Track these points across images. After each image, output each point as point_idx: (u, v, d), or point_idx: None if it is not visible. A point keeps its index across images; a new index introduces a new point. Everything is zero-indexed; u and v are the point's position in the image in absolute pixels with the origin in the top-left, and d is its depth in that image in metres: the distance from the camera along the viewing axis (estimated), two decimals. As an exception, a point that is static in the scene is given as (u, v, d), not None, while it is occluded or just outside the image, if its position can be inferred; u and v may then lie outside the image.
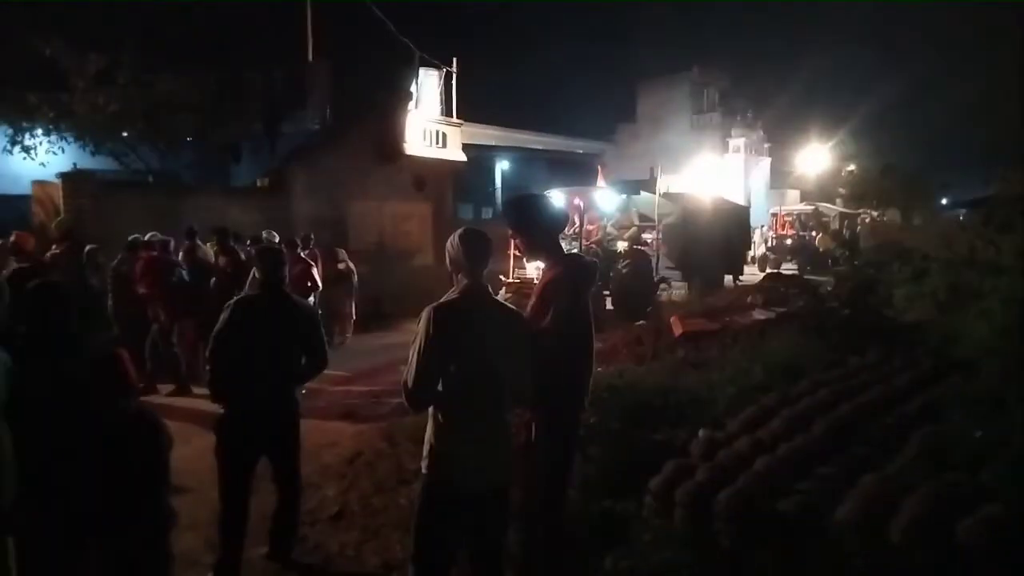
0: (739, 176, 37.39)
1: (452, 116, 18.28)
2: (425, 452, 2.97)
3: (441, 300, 2.95)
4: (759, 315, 9.02)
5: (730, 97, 40.55)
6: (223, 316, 3.86)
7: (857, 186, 35.51)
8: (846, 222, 27.61)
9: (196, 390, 7.65)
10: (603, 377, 5.92)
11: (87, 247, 8.27)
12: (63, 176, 11.46)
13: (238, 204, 12.75)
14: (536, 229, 3.45)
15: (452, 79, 18.11)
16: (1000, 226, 7.21)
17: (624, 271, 12.10)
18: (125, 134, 14.22)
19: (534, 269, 10.03)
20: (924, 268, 8.69)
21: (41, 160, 13.40)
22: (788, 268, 22.39)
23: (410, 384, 2.86)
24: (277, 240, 9.95)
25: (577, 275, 3.43)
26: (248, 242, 9.70)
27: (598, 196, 13.83)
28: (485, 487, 2.92)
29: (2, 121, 13.47)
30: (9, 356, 2.93)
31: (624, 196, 14.53)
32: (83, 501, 2.83)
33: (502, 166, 32.60)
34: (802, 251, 25.17)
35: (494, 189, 32.56)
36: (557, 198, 11.64)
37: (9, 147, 13.43)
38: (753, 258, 24.26)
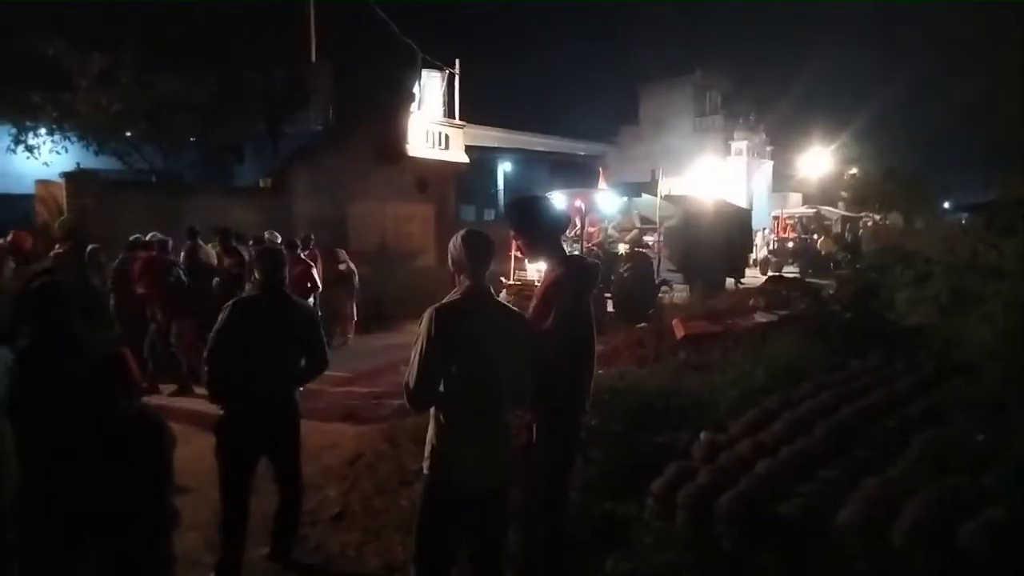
0: (741, 179, 37.40)
1: (455, 117, 18.29)
2: (426, 453, 2.97)
3: (443, 301, 2.95)
4: (761, 318, 9.00)
5: (732, 100, 40.54)
6: (221, 316, 3.86)
7: (859, 190, 35.48)
8: (848, 225, 27.60)
9: (197, 390, 7.66)
10: (605, 379, 5.91)
11: (89, 247, 8.28)
12: (66, 176, 11.48)
13: (240, 204, 12.77)
14: (538, 231, 3.46)
15: (455, 80, 18.12)
16: (1002, 230, 7.21)
17: (625, 274, 12.09)
18: (128, 134, 14.24)
19: (535, 271, 10.03)
20: (926, 272, 8.68)
21: (44, 160, 13.43)
22: (790, 271, 22.37)
23: (411, 385, 2.86)
24: (279, 241, 9.96)
25: (579, 277, 3.43)
26: (250, 242, 9.72)
27: (599, 198, 13.83)
28: (486, 487, 2.93)
29: (5, 121, 13.50)
30: (11, 355, 2.93)
31: (625, 198, 14.53)
32: (84, 501, 2.83)
33: (504, 168, 32.60)
34: (804, 254, 25.15)
35: (496, 191, 32.56)
36: (559, 200, 11.64)
37: (13, 146, 13.45)
38: (755, 261, 24.26)
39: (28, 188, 11.82)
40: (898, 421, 4.77)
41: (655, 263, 13.20)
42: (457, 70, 18.06)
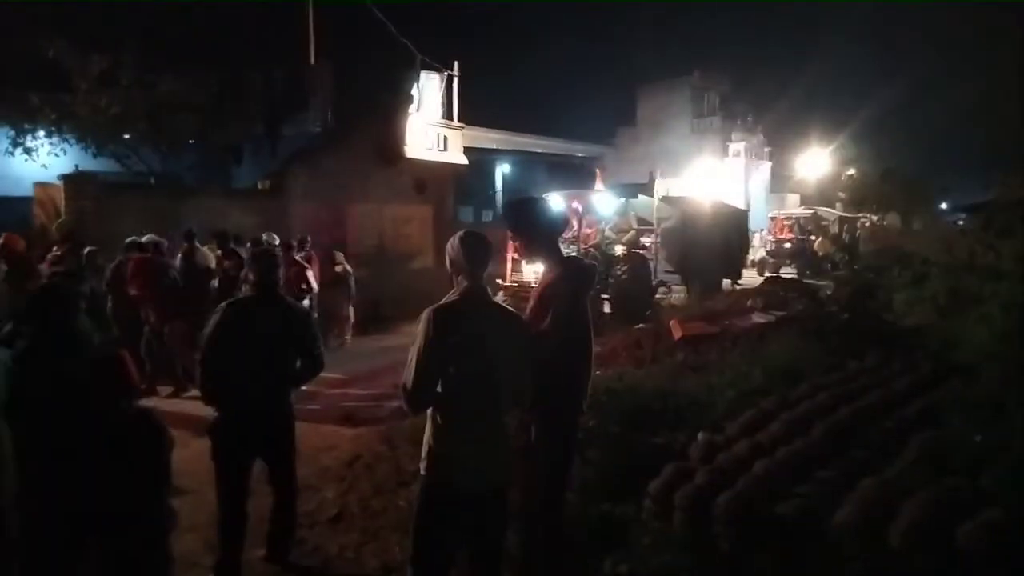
0: (739, 180, 37.42)
1: (453, 119, 18.30)
2: (424, 453, 2.97)
3: (441, 302, 2.95)
4: (758, 319, 9.01)
5: (730, 101, 40.58)
6: (214, 318, 3.85)
7: (857, 190, 35.53)
8: (845, 226, 27.63)
9: (191, 392, 7.65)
10: (602, 380, 5.92)
11: (86, 249, 8.28)
12: (65, 178, 11.46)
13: (239, 206, 12.75)
14: (535, 232, 3.47)
15: (453, 82, 18.13)
16: (1000, 231, 7.22)
17: (623, 275, 12.10)
18: (127, 136, 14.23)
19: (531, 273, 10.04)
20: (924, 273, 8.70)
21: (43, 162, 13.41)
22: (787, 272, 22.39)
23: (409, 385, 2.86)
24: (277, 242, 9.96)
25: (576, 278, 3.44)
26: (248, 244, 9.71)
27: (596, 199, 13.84)
28: (484, 488, 2.93)
29: (4, 123, 13.48)
30: (10, 356, 2.94)
31: (623, 199, 14.55)
32: (84, 501, 2.83)
33: (503, 169, 32.60)
34: (801, 255, 25.17)
35: (494, 192, 32.55)
36: (556, 201, 11.65)
37: (11, 149, 13.44)
38: (752, 262, 24.28)
39: (26, 191, 11.79)
40: (896, 422, 4.78)
41: (652, 264, 13.22)
42: (456, 72, 18.06)
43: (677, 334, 8.37)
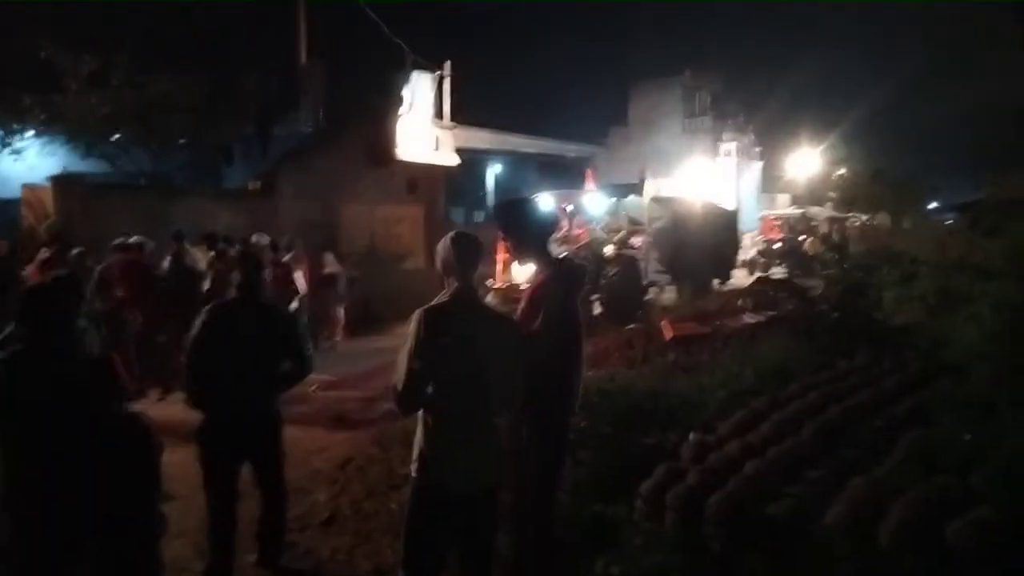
0: (730, 180, 37.49)
1: (445, 119, 18.29)
2: (414, 455, 2.96)
3: (432, 303, 2.95)
4: (749, 319, 9.05)
5: (722, 101, 40.62)
6: (198, 321, 3.81)
7: (847, 190, 35.68)
8: (835, 226, 27.71)
9: (174, 395, 7.61)
10: (594, 381, 5.93)
11: (75, 251, 8.22)
12: (53, 179, 11.40)
13: (229, 207, 12.72)
14: (526, 233, 3.48)
15: (445, 82, 18.12)
16: (988, 230, 7.26)
17: (613, 276, 12.12)
18: (117, 136, 14.15)
19: (521, 274, 10.03)
20: (913, 272, 8.74)
21: (31, 163, 13.32)
22: (777, 272, 22.45)
23: (400, 387, 2.86)
24: (268, 243, 9.93)
25: (567, 279, 3.44)
26: (237, 245, 9.68)
27: (587, 200, 13.86)
28: (475, 489, 2.92)
29: (-6, 124, 13.39)
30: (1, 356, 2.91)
31: (614, 200, 14.57)
32: (74, 505, 2.81)
33: (494, 169, 32.61)
34: (791, 255, 25.24)
35: (486, 192, 32.56)
36: (546, 202, 11.66)
37: (-1, 149, 13.36)
38: (743, 262, 24.35)
39: (14, 192, 11.72)
40: (885, 421, 4.81)
41: (642, 264, 13.24)
42: (448, 72, 18.05)
43: (668, 334, 8.40)
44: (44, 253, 8.31)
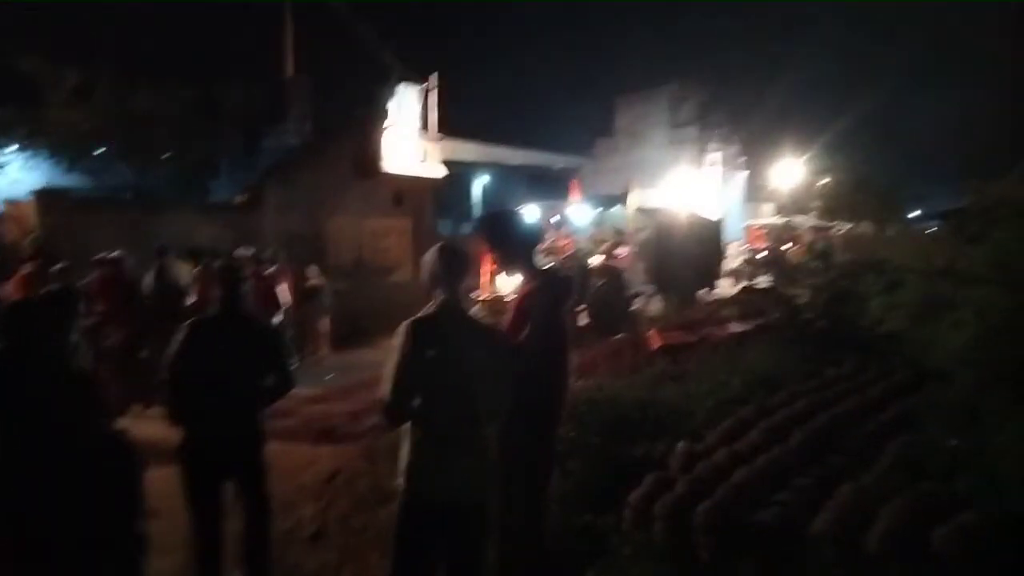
0: (716, 190, 37.69)
1: (432, 131, 18.33)
2: (402, 468, 2.95)
3: (419, 315, 2.95)
4: (736, 327, 9.08)
5: (708, 111, 40.86)
6: (177, 336, 3.76)
7: (831, 199, 35.96)
8: (819, 235, 27.90)
9: (152, 411, 7.52)
10: (582, 391, 5.92)
11: (57, 266, 8.14)
12: (36, 194, 11.33)
13: (215, 220, 12.68)
14: (511, 245, 3.48)
15: (433, 95, 18.17)
16: (971, 237, 7.31)
17: (600, 287, 12.14)
18: (103, 150, 14.09)
19: (507, 285, 10.04)
20: (898, 279, 8.79)
21: (13, 177, 13.23)
22: (763, 281, 22.57)
23: (387, 399, 2.85)
24: (251, 256, 9.89)
25: (553, 289, 3.45)
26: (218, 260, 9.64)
27: (573, 211, 13.92)
28: (462, 501, 2.92)
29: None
30: None
31: (599, 210, 14.64)
32: (56, 521, 2.78)
33: (482, 181, 32.69)
34: (776, 263, 25.37)
35: (473, 204, 32.62)
36: (532, 213, 11.69)
37: (-19, 164, 13.27)
38: (728, 271, 24.47)
39: (-4, 207, 11.63)
40: (872, 427, 4.82)
41: (627, 275, 13.26)
42: (435, 84, 18.11)
43: (656, 344, 8.41)
44: (26, 268, 8.23)
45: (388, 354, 2.91)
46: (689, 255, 14.97)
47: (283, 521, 4.68)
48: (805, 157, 38.46)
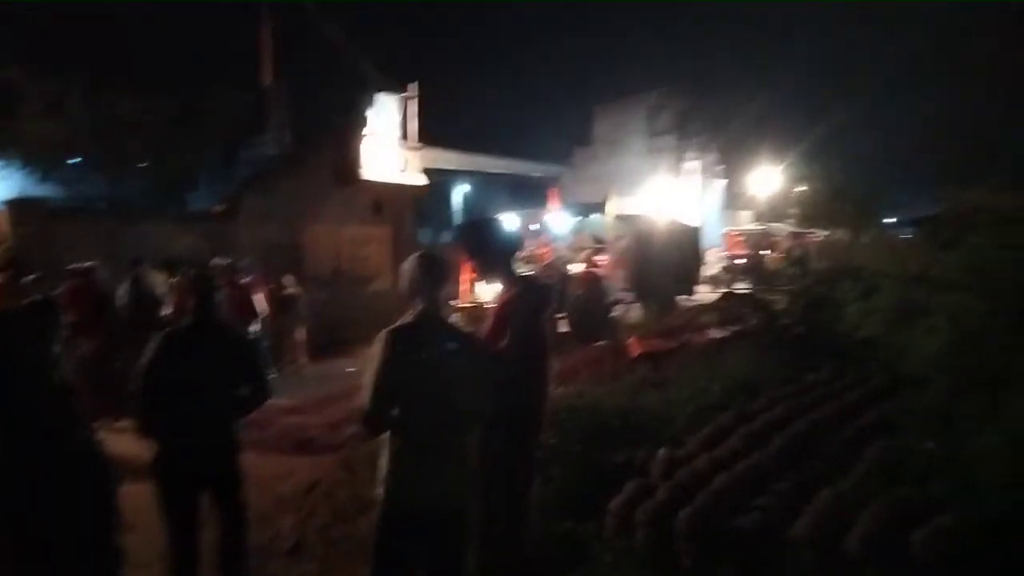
0: (694, 198, 37.96)
1: (412, 140, 18.31)
2: (382, 476, 2.93)
3: (398, 323, 2.93)
4: (715, 334, 9.13)
5: (686, 120, 41.18)
6: (149, 347, 3.70)
7: (808, 206, 36.35)
8: (796, 241, 28.19)
9: (122, 423, 7.42)
10: (563, 398, 5.92)
11: (30, 277, 8.03)
12: (9, 203, 11.16)
13: (192, 230, 12.56)
14: (490, 253, 3.48)
15: (412, 103, 18.16)
16: (944, 243, 7.42)
17: (579, 294, 12.18)
18: (78, 159, 13.94)
19: (487, 293, 10.04)
20: (874, 285, 8.88)
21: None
22: (741, 287, 22.74)
23: (366, 408, 2.83)
24: (226, 265, 9.80)
25: (533, 297, 3.45)
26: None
27: (552, 219, 13.97)
28: (442, 509, 2.90)
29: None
30: None
31: (578, 218, 14.70)
32: (32, 532, 2.73)
33: (462, 190, 32.73)
34: (754, 270, 25.56)
35: (453, 213, 32.63)
36: (511, 221, 11.71)
37: (-47, 175, 13.06)
38: (707, 278, 24.64)
39: (-32, 218, 11.43)
40: (849, 433, 4.86)
41: (606, 282, 13.32)
42: (415, 93, 18.10)
43: (636, 351, 8.44)
44: (-3, 280, 8.11)
45: (367, 363, 2.89)
46: (668, 262, 15.05)
47: (261, 534, 4.62)
48: (783, 165, 38.89)
